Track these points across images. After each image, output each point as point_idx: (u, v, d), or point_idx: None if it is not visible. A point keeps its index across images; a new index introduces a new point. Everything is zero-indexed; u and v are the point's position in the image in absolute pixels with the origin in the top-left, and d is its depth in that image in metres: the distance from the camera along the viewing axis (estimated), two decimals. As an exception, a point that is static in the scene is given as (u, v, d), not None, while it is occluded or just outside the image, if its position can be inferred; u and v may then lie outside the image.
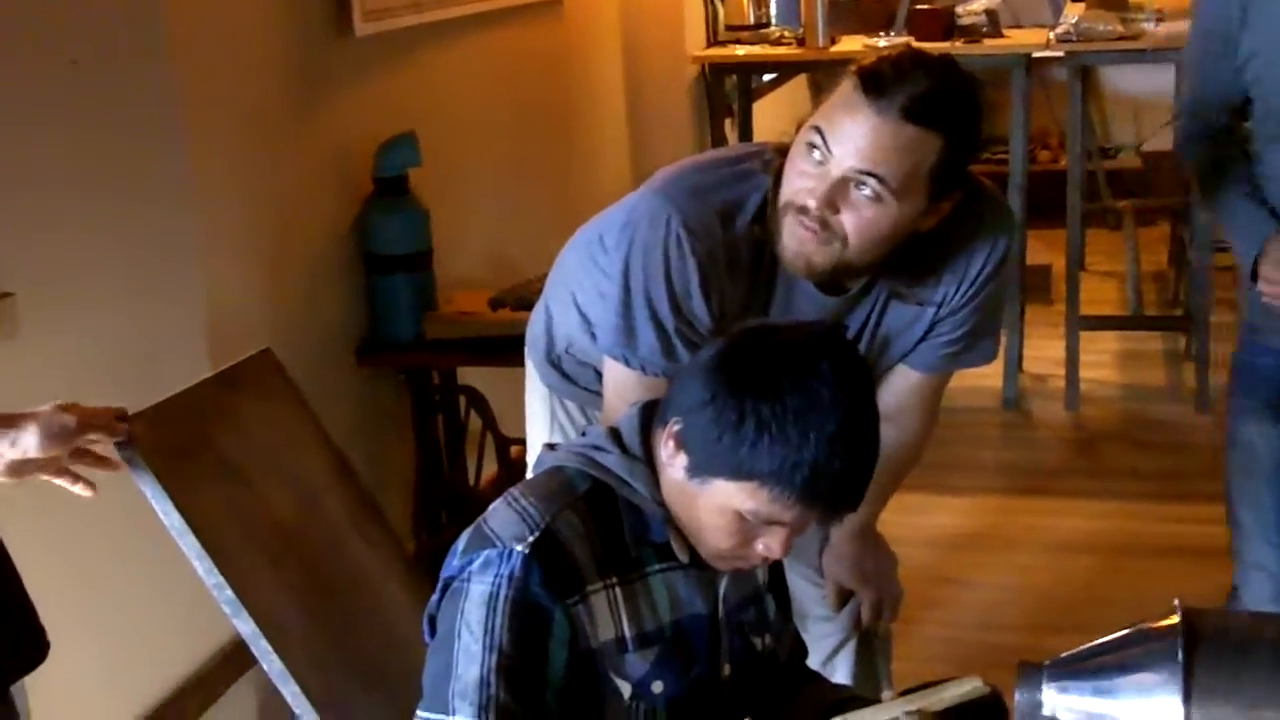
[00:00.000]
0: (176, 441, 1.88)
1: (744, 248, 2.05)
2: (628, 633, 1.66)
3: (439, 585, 1.70)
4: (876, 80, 1.89)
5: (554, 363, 2.41)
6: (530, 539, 1.62)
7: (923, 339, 2.20)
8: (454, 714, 1.60)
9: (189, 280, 2.76)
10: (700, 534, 1.68)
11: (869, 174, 1.90)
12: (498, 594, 1.61)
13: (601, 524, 1.68)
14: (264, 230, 3.07)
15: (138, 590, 2.54)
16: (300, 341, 3.12)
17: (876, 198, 1.91)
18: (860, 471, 1.63)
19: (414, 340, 3.44)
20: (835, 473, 1.59)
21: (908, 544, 2.65)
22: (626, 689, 1.67)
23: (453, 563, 1.68)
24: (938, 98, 1.89)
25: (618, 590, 1.66)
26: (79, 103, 2.43)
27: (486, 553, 1.64)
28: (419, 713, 1.64)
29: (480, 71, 4.17)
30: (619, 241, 2.12)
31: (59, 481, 1.75)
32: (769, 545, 1.65)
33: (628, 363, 2.11)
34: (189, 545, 1.82)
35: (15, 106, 2.29)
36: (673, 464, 1.67)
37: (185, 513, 1.82)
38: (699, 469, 1.63)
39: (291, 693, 1.84)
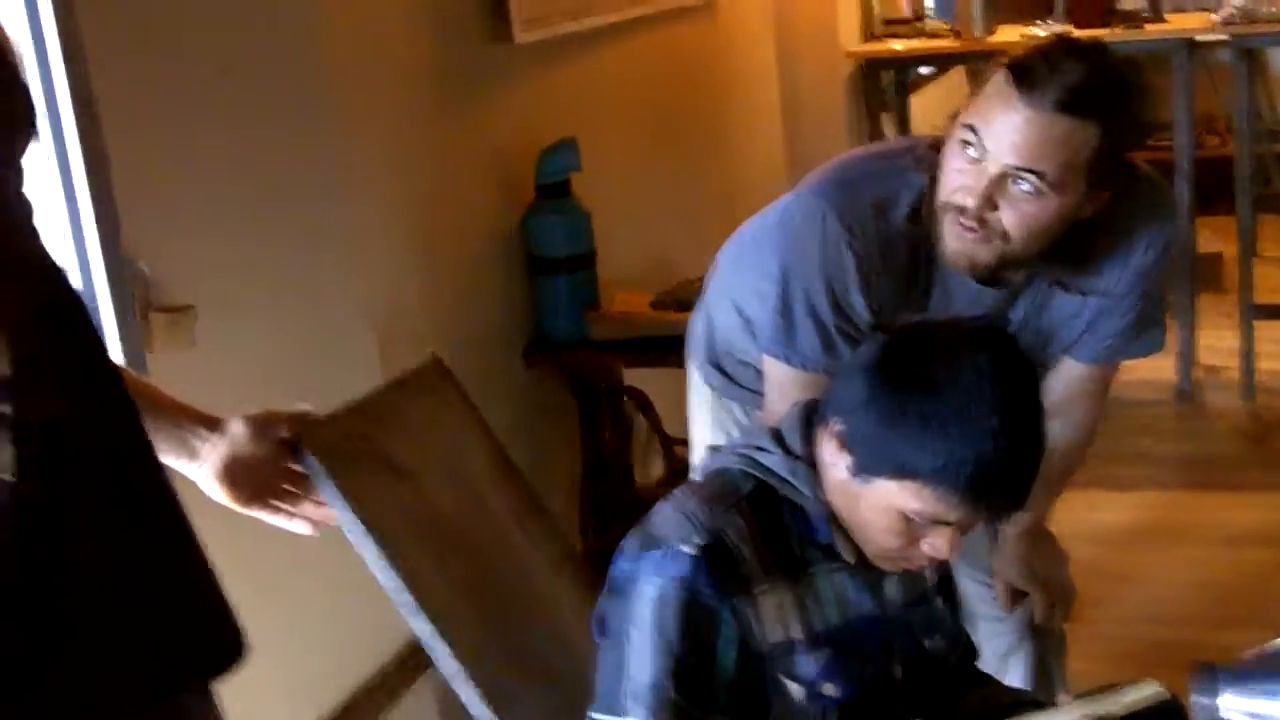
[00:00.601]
0: (352, 448, 1.93)
1: (900, 242, 2.05)
2: (797, 634, 1.67)
3: (607, 586, 1.72)
4: (1027, 73, 1.87)
5: (715, 363, 2.43)
6: (697, 540, 1.64)
7: (1087, 330, 2.17)
8: (626, 715, 1.62)
9: (357, 287, 2.83)
10: (865, 534, 1.68)
11: (1026, 170, 1.88)
12: (666, 595, 1.62)
13: (766, 525, 1.69)
14: (430, 236, 3.13)
15: (315, 596, 2.60)
16: (467, 344, 3.18)
17: (1035, 192, 1.89)
18: (1025, 467, 1.62)
19: (578, 341, 3.49)
20: (1000, 469, 1.58)
21: (1078, 540, 2.61)
22: (798, 690, 1.67)
23: (620, 564, 1.70)
24: (1091, 87, 1.87)
25: (785, 591, 1.67)
26: (245, 118, 2.51)
27: (654, 554, 1.65)
28: (591, 714, 1.67)
29: (636, 74, 4.20)
30: (775, 240, 2.13)
31: (274, 520, 1.82)
32: (935, 545, 1.65)
33: (788, 361, 2.11)
34: (367, 549, 1.86)
35: (194, 125, 2.37)
36: (835, 464, 1.67)
37: (363, 517, 1.86)
38: (862, 468, 1.64)
39: (467, 693, 1.88)
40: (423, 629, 1.87)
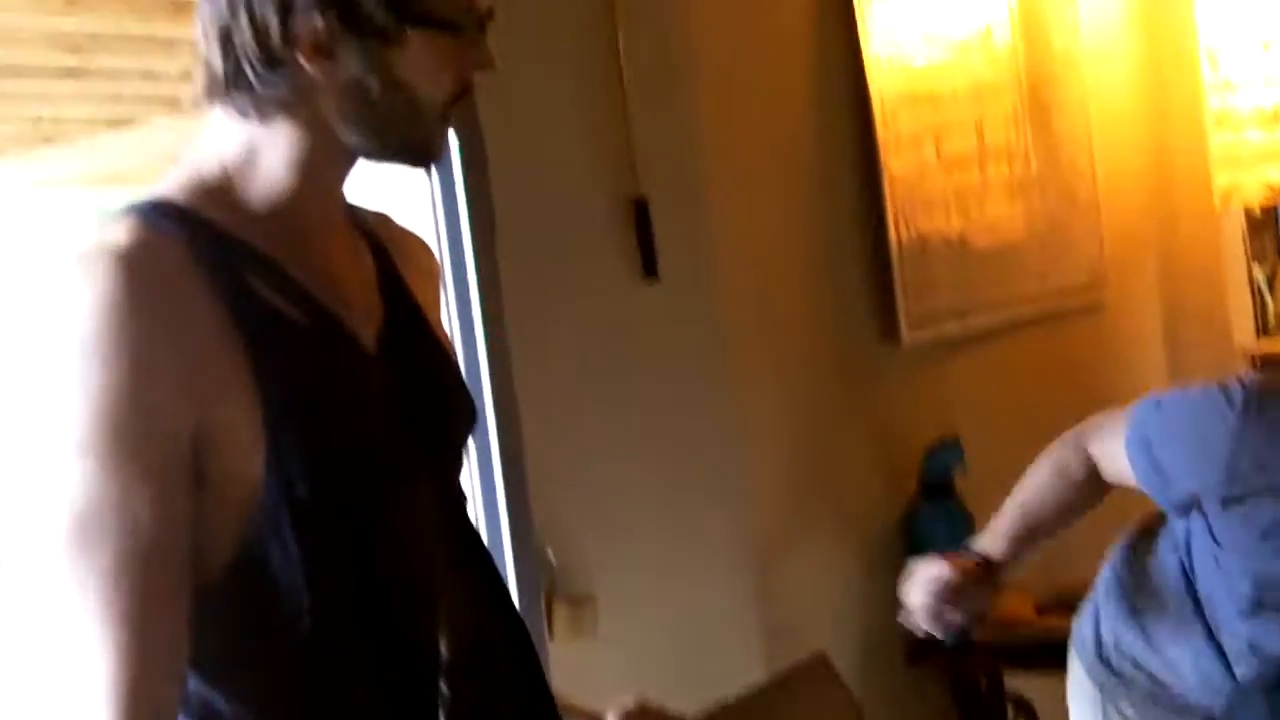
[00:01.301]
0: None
1: None
2: None
3: None
4: None
5: (1103, 659, 2.37)
6: None
7: None
8: None
9: (744, 580, 2.89)
10: None
11: None
12: None
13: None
14: (814, 531, 3.18)
15: None
16: (850, 641, 3.18)
17: None
18: None
19: (960, 645, 3.43)
20: None
21: None
22: None
23: None
24: None
25: None
26: (648, 422, 2.65)
27: None
28: None
29: (1022, 373, 4.20)
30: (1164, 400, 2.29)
31: None
32: None
33: (1130, 458, 2.21)
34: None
35: (602, 427, 2.52)
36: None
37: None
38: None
39: None
40: None
